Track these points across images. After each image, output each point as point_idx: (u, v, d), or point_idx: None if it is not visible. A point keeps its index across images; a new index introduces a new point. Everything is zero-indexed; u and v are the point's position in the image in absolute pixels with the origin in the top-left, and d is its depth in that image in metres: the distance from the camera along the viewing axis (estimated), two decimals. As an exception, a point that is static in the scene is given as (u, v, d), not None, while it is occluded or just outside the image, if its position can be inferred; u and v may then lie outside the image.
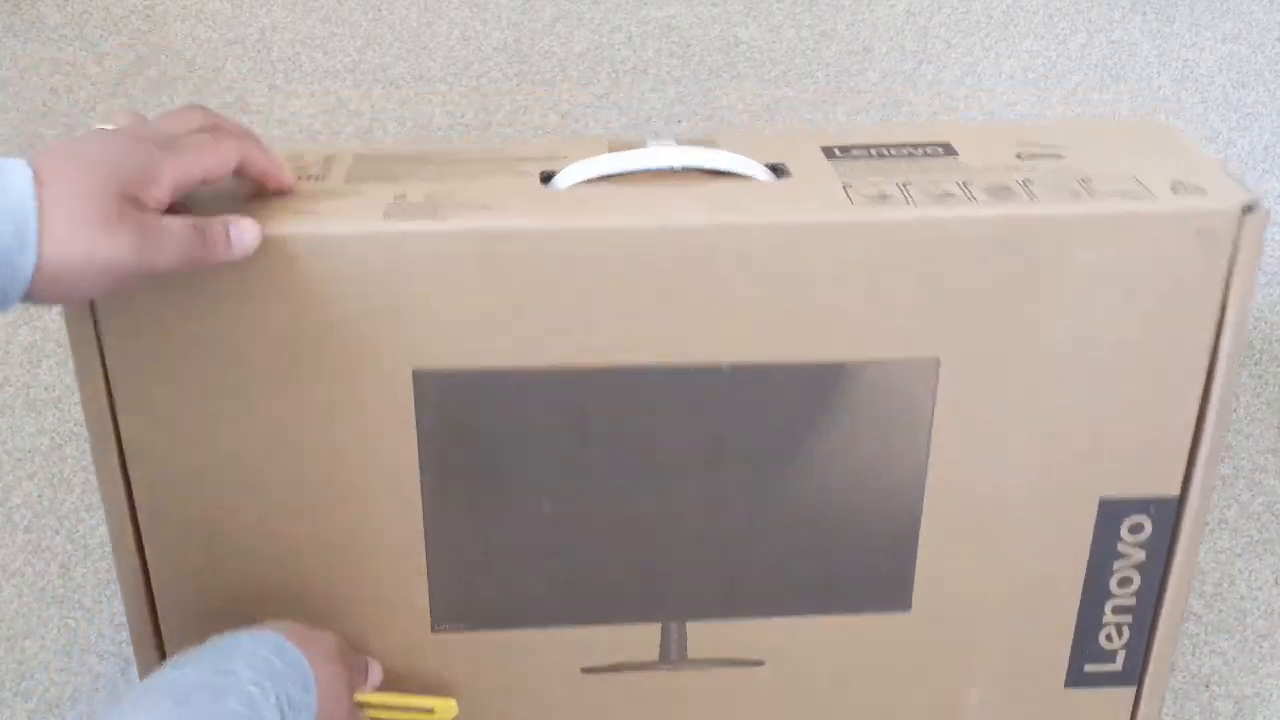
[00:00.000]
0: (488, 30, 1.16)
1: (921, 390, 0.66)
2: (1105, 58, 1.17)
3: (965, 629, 0.76)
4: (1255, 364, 1.03)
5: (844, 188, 0.64)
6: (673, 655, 0.76)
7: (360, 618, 0.68)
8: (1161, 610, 0.75)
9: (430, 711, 0.67)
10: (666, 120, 1.12)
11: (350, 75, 1.13)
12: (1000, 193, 0.64)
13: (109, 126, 0.58)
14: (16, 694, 0.86)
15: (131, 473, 0.64)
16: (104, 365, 0.63)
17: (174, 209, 0.57)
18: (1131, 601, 0.76)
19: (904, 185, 0.64)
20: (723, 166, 0.65)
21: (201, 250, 0.57)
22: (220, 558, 0.66)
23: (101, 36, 1.14)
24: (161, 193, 0.55)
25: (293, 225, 0.60)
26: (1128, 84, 1.16)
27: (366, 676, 0.67)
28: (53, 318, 0.96)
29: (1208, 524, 0.96)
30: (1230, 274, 0.64)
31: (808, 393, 0.67)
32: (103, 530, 0.74)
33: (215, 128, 0.60)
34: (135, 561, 0.66)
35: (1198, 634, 0.93)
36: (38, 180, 0.53)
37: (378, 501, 0.65)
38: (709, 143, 0.67)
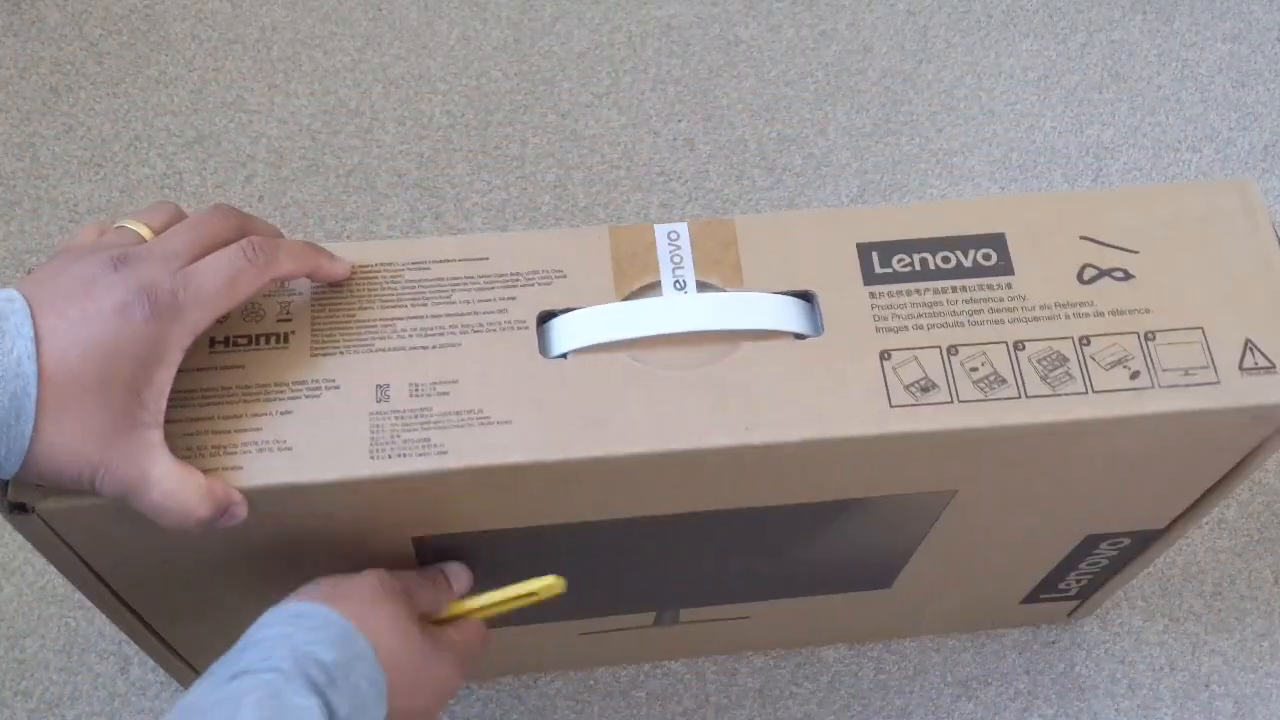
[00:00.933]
0: (488, 30, 1.15)
1: (933, 503, 0.63)
2: (1105, 58, 1.17)
3: (939, 595, 0.79)
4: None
5: (881, 360, 0.55)
6: (665, 621, 0.78)
7: None
8: (1127, 568, 0.77)
9: (534, 594, 0.59)
10: (666, 120, 1.12)
11: (350, 75, 1.13)
12: (1054, 374, 0.55)
13: (109, 253, 0.50)
14: (16, 694, 0.85)
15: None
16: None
17: None
18: (1097, 571, 0.77)
19: (949, 355, 0.55)
20: (745, 326, 0.56)
21: (205, 514, 0.51)
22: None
23: (101, 36, 1.14)
24: (170, 366, 0.49)
25: (266, 473, 0.52)
26: (1128, 84, 1.15)
27: (451, 585, 0.61)
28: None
29: (1207, 523, 0.96)
30: (1271, 437, 0.58)
31: (817, 514, 0.63)
32: (103, 528, 0.73)
33: (241, 230, 0.53)
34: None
35: (1198, 634, 0.93)
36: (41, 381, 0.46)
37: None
38: (726, 242, 0.58)
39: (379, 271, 0.56)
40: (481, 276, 0.57)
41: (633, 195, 1.09)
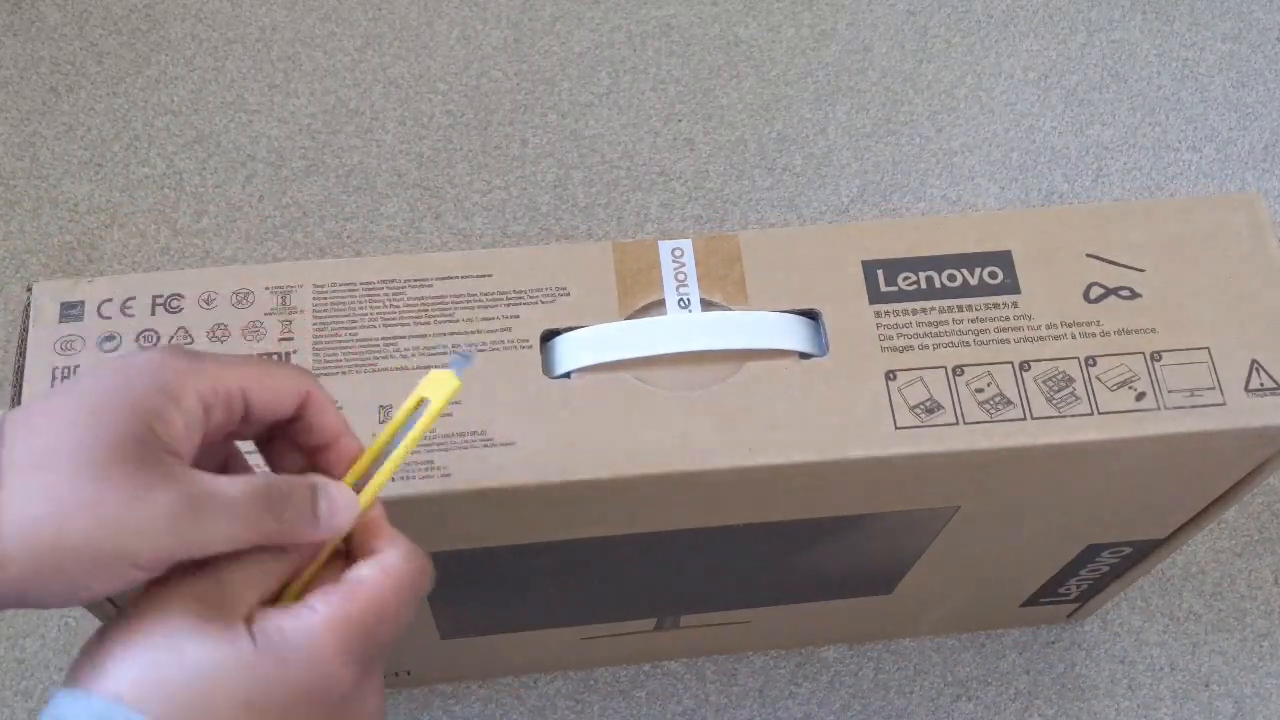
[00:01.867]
0: (488, 30, 1.15)
1: (936, 519, 0.63)
2: (1105, 57, 1.17)
3: (939, 600, 0.79)
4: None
5: (887, 381, 0.55)
6: (666, 626, 0.78)
7: None
8: (1127, 574, 0.78)
9: (426, 400, 0.45)
10: (666, 120, 1.12)
11: (350, 75, 1.13)
12: (1060, 395, 0.55)
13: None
14: (17, 693, 0.86)
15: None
16: None
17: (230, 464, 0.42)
18: (1097, 577, 0.78)
19: (954, 375, 0.55)
20: (749, 345, 0.56)
21: (275, 525, 0.39)
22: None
23: (101, 36, 1.14)
24: (185, 415, 0.38)
25: None
26: (1128, 84, 1.15)
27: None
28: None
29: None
30: (1276, 455, 0.58)
31: (819, 529, 0.63)
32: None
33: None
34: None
35: (1198, 634, 0.93)
36: None
37: None
38: (730, 258, 0.57)
39: (380, 289, 0.56)
40: (484, 294, 0.56)
41: (633, 195, 1.09)
